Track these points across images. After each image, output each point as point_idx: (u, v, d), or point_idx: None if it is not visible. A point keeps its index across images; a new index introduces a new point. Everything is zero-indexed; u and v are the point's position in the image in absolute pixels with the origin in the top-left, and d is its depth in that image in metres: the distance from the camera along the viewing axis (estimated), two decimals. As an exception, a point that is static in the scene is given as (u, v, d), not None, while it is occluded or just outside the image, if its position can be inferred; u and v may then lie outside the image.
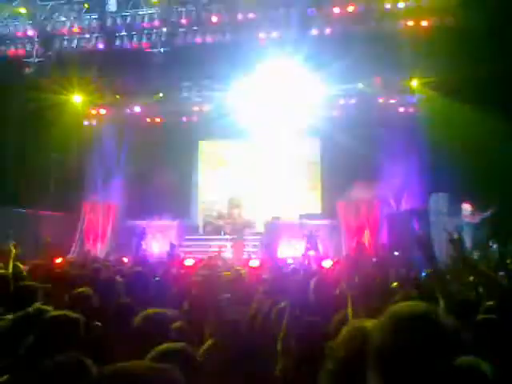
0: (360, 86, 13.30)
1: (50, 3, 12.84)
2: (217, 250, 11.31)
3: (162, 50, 12.84)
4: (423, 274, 6.26)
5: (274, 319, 3.07)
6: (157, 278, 5.54)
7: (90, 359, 1.94)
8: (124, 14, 12.73)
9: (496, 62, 9.58)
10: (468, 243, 9.72)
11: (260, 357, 2.63)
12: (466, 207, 10.35)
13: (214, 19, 12.15)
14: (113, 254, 12.65)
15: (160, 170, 14.41)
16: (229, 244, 12.83)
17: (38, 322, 2.39)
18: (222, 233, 14.14)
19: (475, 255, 9.09)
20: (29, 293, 3.45)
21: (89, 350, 2.26)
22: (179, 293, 4.38)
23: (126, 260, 9.63)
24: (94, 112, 15.26)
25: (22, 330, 2.48)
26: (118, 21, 12.70)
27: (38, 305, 2.96)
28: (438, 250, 10.92)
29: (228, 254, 12.27)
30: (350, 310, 2.80)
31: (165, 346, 2.20)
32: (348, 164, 13.53)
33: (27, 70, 12.98)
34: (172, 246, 12.69)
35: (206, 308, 3.25)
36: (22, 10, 12.72)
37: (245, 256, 11.71)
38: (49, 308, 2.80)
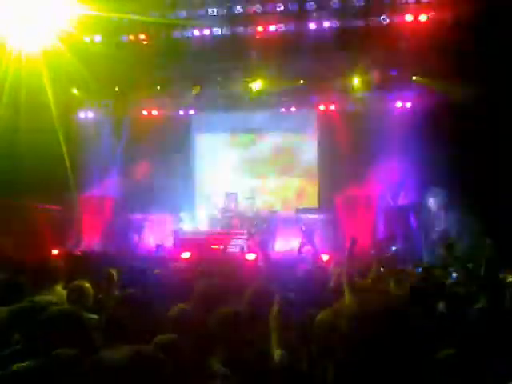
0: (356, 80, 13.25)
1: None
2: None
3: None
4: (419, 269, 6.29)
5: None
6: (156, 271, 5.55)
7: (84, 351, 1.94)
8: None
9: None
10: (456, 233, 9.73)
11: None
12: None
13: (212, 12, 12.03)
14: (109, 247, 12.64)
15: (157, 164, 14.36)
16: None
17: (32, 316, 2.39)
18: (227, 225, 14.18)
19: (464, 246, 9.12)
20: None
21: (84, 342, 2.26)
22: (181, 286, 4.35)
23: (122, 253, 9.67)
24: (90, 104, 15.16)
25: (17, 322, 2.47)
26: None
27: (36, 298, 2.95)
28: (431, 243, 10.95)
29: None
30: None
31: (159, 337, 2.22)
32: (345, 158, 13.53)
33: None
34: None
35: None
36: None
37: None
38: (44, 302, 2.79)
